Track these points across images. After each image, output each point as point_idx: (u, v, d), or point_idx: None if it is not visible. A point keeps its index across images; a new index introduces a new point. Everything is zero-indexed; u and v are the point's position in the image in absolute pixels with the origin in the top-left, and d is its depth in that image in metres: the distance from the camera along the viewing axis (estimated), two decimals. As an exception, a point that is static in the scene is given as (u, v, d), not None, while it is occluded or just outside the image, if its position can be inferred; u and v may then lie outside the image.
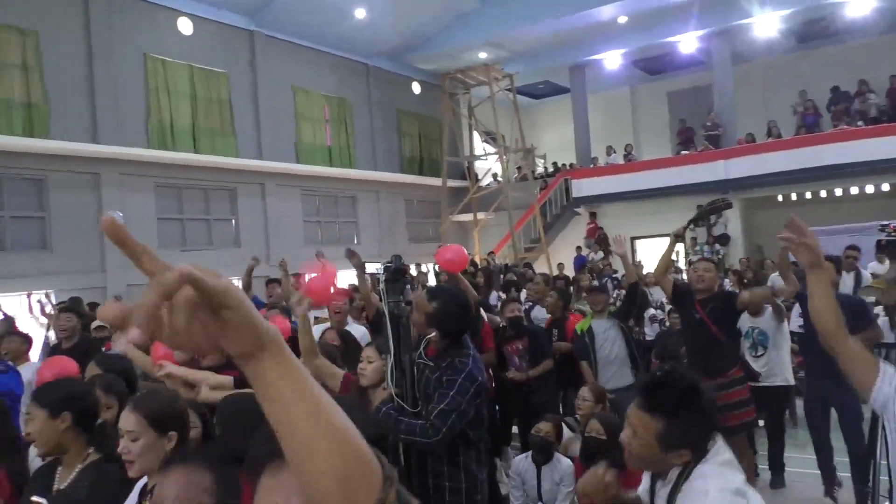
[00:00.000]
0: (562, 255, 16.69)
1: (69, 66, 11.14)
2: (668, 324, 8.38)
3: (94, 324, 6.71)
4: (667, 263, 5.16)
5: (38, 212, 10.81)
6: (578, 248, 16.84)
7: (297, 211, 15.02)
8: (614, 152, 18.34)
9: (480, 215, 18.47)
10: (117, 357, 4.05)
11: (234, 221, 13.74)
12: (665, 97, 20.17)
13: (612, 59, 17.64)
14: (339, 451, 0.73)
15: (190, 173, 12.67)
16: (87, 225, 11.16)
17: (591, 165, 18.37)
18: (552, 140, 21.62)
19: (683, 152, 17.21)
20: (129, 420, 2.02)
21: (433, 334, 2.81)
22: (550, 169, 20.36)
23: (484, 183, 19.19)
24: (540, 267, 16.04)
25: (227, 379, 3.38)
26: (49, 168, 10.74)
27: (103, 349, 6.18)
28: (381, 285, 2.84)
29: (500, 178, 18.60)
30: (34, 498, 1.82)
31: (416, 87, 18.17)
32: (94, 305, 9.04)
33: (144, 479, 2.08)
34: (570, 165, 19.15)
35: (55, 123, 10.86)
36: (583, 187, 17.75)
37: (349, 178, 16.05)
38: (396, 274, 2.86)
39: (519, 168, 19.37)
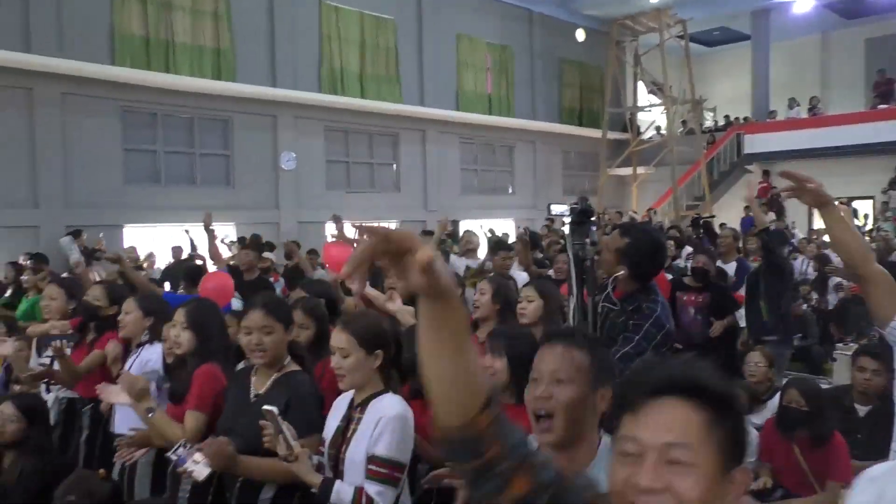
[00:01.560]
0: (727, 215, 15.62)
1: (253, 14, 11.83)
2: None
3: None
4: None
5: (224, 150, 11.72)
6: (747, 207, 15.63)
7: (455, 158, 15.18)
8: (797, 105, 16.77)
9: (640, 170, 17.73)
10: (321, 282, 4.36)
11: (395, 166, 14.15)
12: (862, 44, 18.00)
13: (803, 2, 15.96)
14: (465, 380, 0.98)
15: (356, 118, 13.15)
16: (265, 164, 11.97)
17: (769, 119, 16.94)
18: (724, 91, 20.08)
19: (881, 106, 15.37)
20: (340, 338, 2.13)
21: (621, 273, 2.70)
22: (721, 122, 19.00)
23: (646, 136, 18.32)
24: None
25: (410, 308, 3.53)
26: (233, 110, 11.58)
27: (271, 280, 6.65)
28: (567, 227, 2.76)
29: (663, 132, 17.66)
30: (266, 407, 2.06)
31: (581, 35, 17.51)
32: (270, 245, 9.77)
33: (351, 394, 2.21)
34: (745, 119, 17.77)
35: (240, 68, 11.64)
36: (757, 143, 16.49)
37: (507, 127, 15.94)
38: (582, 215, 2.76)
39: (684, 122, 18.27)
